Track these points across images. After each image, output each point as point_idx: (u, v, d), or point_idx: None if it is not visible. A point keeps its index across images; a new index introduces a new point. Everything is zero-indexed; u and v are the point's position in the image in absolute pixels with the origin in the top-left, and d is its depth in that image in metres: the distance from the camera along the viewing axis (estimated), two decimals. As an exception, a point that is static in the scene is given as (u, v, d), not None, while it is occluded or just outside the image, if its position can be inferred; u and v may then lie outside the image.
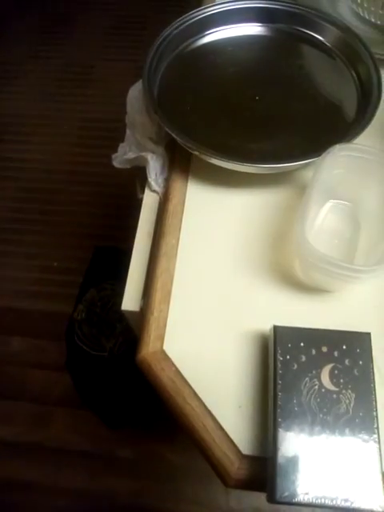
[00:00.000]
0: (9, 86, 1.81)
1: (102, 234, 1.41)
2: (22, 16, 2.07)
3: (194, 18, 0.59)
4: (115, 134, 0.67)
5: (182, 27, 0.59)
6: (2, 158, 1.61)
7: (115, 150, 0.66)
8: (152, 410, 1.09)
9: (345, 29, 0.57)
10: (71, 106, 1.72)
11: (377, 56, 0.56)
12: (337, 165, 0.45)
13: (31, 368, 1.22)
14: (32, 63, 1.87)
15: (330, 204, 0.49)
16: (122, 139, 0.66)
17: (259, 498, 1.03)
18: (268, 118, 0.55)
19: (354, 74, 0.57)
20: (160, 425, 1.11)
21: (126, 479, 1.07)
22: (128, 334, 1.13)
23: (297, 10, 0.59)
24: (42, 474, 1.09)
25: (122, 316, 0.50)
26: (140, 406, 1.10)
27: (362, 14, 0.65)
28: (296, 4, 0.60)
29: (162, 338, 0.44)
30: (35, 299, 1.32)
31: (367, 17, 0.64)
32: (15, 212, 1.48)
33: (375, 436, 0.35)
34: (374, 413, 0.36)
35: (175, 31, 0.58)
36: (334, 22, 0.58)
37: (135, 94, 0.65)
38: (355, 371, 0.38)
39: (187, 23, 0.59)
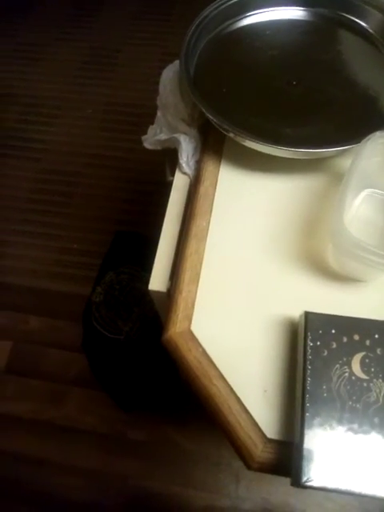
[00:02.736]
0: (34, 67, 1.81)
1: (122, 218, 1.41)
2: (49, -2, 2.07)
3: (232, -2, 0.59)
4: (139, 119, 0.67)
5: (221, 8, 0.58)
6: (25, 139, 1.61)
7: (138, 135, 0.66)
8: (165, 395, 1.10)
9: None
10: (96, 90, 1.72)
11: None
12: (375, 153, 0.45)
13: (48, 347, 1.24)
14: (58, 45, 1.87)
15: (365, 193, 0.49)
16: (145, 124, 0.66)
17: (268, 488, 1.03)
18: (305, 103, 0.54)
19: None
20: (173, 410, 1.12)
21: (137, 461, 1.08)
22: (145, 318, 1.14)
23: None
24: (55, 452, 1.11)
25: (139, 300, 0.50)
26: (154, 390, 1.11)
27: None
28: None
29: (189, 319, 0.44)
30: (54, 280, 1.33)
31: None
32: (37, 193, 1.49)
33: (405, 426, 0.35)
34: (405, 403, 0.36)
35: (214, 11, 0.57)
36: (378, 7, 0.56)
37: (169, 74, 0.64)
38: (387, 353, 0.37)
39: (227, 4, 0.58)
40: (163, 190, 0.61)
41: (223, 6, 0.57)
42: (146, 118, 0.63)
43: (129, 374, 1.10)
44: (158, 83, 0.63)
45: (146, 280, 0.50)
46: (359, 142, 0.44)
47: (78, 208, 1.45)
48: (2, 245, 1.41)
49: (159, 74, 0.64)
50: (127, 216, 1.41)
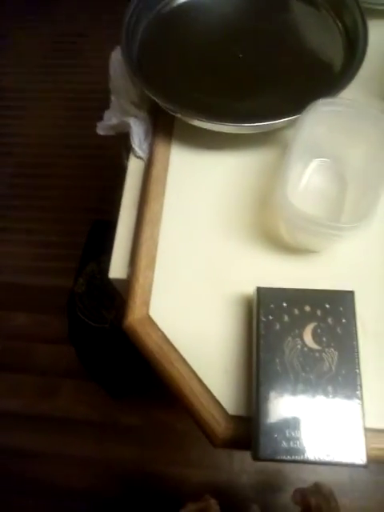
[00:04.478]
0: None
1: (98, 207, 1.40)
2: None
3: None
4: (106, 104, 0.66)
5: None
6: (2, 135, 1.59)
7: None
8: (155, 379, 1.11)
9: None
10: (61, 77, 1.68)
11: (364, 5, 0.53)
12: (320, 121, 0.44)
13: (36, 342, 1.24)
14: (19, 34, 1.82)
15: (315, 163, 0.48)
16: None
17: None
18: (252, 75, 0.53)
19: (340, 26, 0.54)
20: (164, 393, 1.13)
21: (132, 446, 1.10)
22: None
23: None
24: (51, 444, 1.13)
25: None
26: (143, 375, 1.12)
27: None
28: None
29: (147, 304, 0.44)
30: (36, 274, 1.33)
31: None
32: (12, 188, 1.48)
33: (358, 392, 0.35)
34: (357, 370, 0.36)
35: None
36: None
37: (118, 57, 0.63)
38: (338, 329, 0.37)
39: (166, -21, 0.56)
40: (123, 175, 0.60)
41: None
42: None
43: (116, 361, 1.11)
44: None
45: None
46: (302, 113, 0.43)
47: (55, 200, 1.43)
48: (-18, 243, 1.40)
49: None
50: (103, 204, 1.39)
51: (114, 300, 1.13)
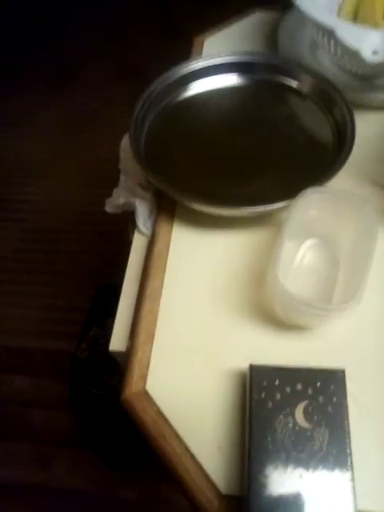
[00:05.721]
0: (16, 132, 1.88)
1: (104, 271, 1.43)
2: (34, 65, 2.18)
3: (179, 71, 0.64)
4: (118, 176, 0.72)
5: (168, 81, 0.63)
6: (10, 200, 1.67)
7: None
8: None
9: (319, 76, 0.61)
10: (78, 149, 1.79)
11: (353, 100, 0.59)
12: (311, 206, 0.48)
13: (34, 407, 1.23)
14: (37, 110, 1.95)
15: (309, 242, 0.51)
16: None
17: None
18: (249, 162, 0.57)
19: (331, 119, 0.60)
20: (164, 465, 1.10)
21: (128, 522, 1.05)
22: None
23: (275, 61, 0.63)
24: (44, 517, 1.08)
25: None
26: (143, 447, 1.09)
27: (340, 65, 0.69)
28: (275, 55, 0.64)
29: (144, 378, 0.46)
30: (39, 338, 1.34)
31: (347, 66, 0.68)
32: (21, 252, 1.53)
33: (349, 473, 0.36)
34: (348, 450, 0.37)
35: (161, 85, 0.62)
36: (310, 70, 0.62)
37: (127, 141, 0.69)
38: (329, 408, 0.38)
39: (174, 77, 0.63)
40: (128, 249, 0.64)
41: (170, 80, 0.62)
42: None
43: (116, 430, 1.09)
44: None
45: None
46: (294, 198, 0.47)
47: (61, 264, 1.48)
48: (-12, 306, 1.43)
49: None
50: (110, 269, 1.43)
51: (116, 366, 1.13)
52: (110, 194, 0.70)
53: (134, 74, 2.02)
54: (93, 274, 1.43)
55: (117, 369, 1.15)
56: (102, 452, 1.11)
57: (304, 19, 0.61)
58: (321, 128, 0.60)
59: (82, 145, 1.80)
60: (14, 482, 1.13)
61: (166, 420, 0.43)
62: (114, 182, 0.74)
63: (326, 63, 0.69)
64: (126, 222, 0.71)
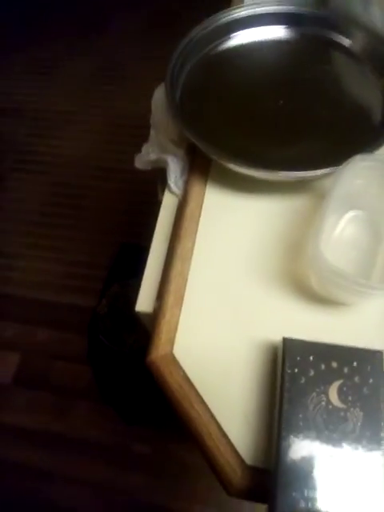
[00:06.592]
0: (43, 82, 1.84)
1: (127, 230, 1.42)
2: (59, 14, 2.10)
3: (221, 19, 0.59)
4: (145, 132, 0.69)
5: (208, 29, 0.58)
6: (35, 153, 1.65)
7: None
8: (168, 409, 1.10)
9: (374, 34, 0.55)
10: (103, 103, 1.74)
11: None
12: (358, 175, 0.44)
13: (55, 359, 1.25)
14: (66, 61, 1.90)
15: (350, 214, 0.48)
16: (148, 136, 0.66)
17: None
18: (291, 123, 0.54)
19: (381, 81, 0.55)
20: (176, 424, 1.12)
21: (141, 475, 1.09)
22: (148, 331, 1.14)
23: (324, 14, 0.58)
24: (61, 464, 1.12)
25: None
26: (158, 405, 1.11)
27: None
28: (325, 8, 0.58)
29: (172, 342, 0.45)
30: (62, 292, 1.35)
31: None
32: (47, 206, 1.52)
33: (382, 457, 0.34)
34: (382, 434, 0.35)
35: (202, 32, 0.57)
36: (363, 27, 0.56)
37: (160, 95, 0.65)
38: (365, 389, 0.37)
39: (214, 25, 0.59)
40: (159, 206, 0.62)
41: (211, 27, 0.58)
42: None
43: (132, 387, 1.11)
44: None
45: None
46: (340, 165, 0.43)
47: (86, 220, 1.47)
48: (12, 257, 1.44)
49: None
50: (133, 228, 1.42)
51: (135, 324, 1.14)
52: (137, 150, 0.67)
53: (167, 24, 1.93)
54: (116, 232, 1.42)
55: (136, 327, 1.16)
56: (119, 407, 1.14)
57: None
58: (371, 91, 0.55)
59: (108, 98, 1.75)
60: (35, 429, 1.17)
61: (192, 385, 0.42)
62: (141, 139, 0.71)
63: (379, 22, 0.63)
64: (152, 180, 0.69)
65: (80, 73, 1.85)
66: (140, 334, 1.14)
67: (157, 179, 0.73)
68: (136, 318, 0.53)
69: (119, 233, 1.42)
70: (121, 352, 1.14)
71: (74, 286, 1.36)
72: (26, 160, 1.64)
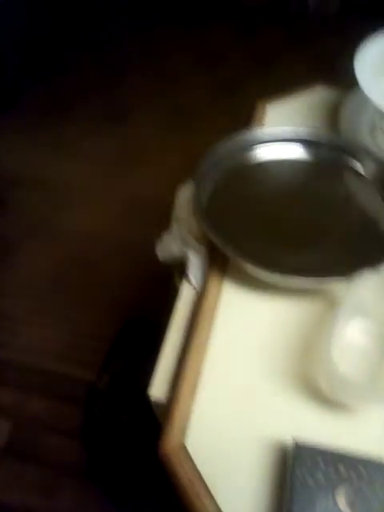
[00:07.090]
0: (67, 160, 1.96)
1: (135, 304, 1.45)
2: (85, 100, 2.28)
3: (244, 136, 0.67)
4: (159, 213, 0.75)
5: (232, 145, 0.66)
6: (51, 225, 1.72)
7: (156, 229, 0.72)
8: (161, 491, 1.06)
9: (380, 161, 0.63)
10: (122, 181, 1.85)
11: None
12: (367, 287, 0.49)
13: (47, 431, 1.23)
14: (91, 142, 2.03)
15: (360, 320, 0.52)
16: (164, 219, 0.73)
17: None
18: (305, 233, 0.60)
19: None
20: (170, 505, 1.08)
21: None
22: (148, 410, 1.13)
23: (337, 140, 0.67)
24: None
25: (144, 391, 0.53)
26: (150, 484, 1.07)
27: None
28: (339, 137, 0.68)
29: (184, 432, 0.46)
30: (62, 361, 1.35)
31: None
32: (57, 275, 1.57)
33: None
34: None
35: (225, 148, 0.65)
36: (371, 154, 0.65)
37: (185, 193, 0.72)
38: (373, 502, 0.38)
39: (239, 141, 0.67)
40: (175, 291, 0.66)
41: (235, 144, 0.66)
42: (167, 214, 0.70)
43: (125, 467, 1.08)
44: (178, 184, 0.71)
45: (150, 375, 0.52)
46: (350, 275, 0.48)
47: (95, 292, 1.50)
48: (17, 321, 1.46)
49: (181, 176, 0.71)
50: (141, 301, 1.45)
51: (134, 404, 1.13)
52: (150, 231, 0.73)
53: (185, 120, 2.10)
54: (122, 306, 1.45)
55: (135, 407, 1.15)
56: (107, 486, 1.10)
57: (366, 101, 0.64)
58: (379, 208, 0.62)
59: (128, 180, 1.86)
60: (18, 506, 1.12)
61: (200, 477, 0.44)
62: (155, 220, 0.77)
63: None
64: (161, 261, 0.73)
65: (102, 153, 1.97)
66: (138, 413, 1.13)
67: (173, 265, 0.78)
68: (137, 399, 0.55)
69: (124, 307, 1.45)
70: (116, 430, 1.12)
71: (74, 357, 1.36)
72: (42, 231, 1.71)
